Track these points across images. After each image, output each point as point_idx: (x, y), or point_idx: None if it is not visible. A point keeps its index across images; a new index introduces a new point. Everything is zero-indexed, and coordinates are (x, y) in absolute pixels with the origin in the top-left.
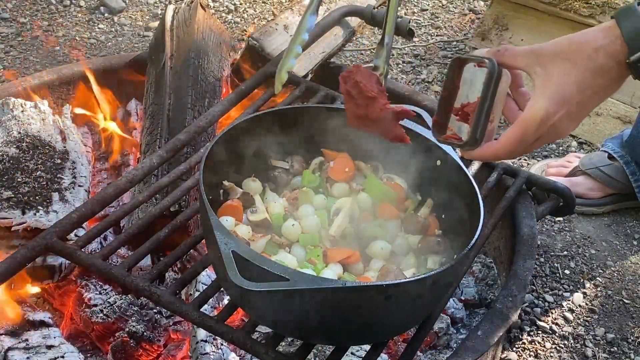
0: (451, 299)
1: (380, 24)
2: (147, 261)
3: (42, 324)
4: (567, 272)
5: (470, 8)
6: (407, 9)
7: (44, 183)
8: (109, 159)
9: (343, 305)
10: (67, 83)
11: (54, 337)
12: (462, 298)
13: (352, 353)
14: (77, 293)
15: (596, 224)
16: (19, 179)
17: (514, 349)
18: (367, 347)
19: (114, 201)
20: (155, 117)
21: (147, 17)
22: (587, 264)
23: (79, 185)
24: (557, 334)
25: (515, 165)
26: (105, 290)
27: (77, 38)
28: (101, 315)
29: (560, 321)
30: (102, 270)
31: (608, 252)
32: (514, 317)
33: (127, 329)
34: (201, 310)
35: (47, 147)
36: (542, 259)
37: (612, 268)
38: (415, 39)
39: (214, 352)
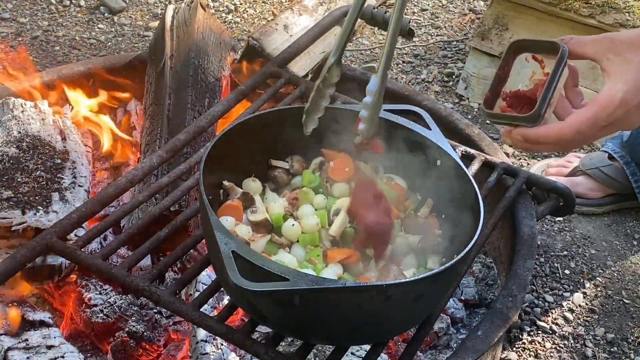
0: (451, 299)
1: (380, 24)
2: (147, 261)
3: (42, 324)
4: (567, 272)
5: (470, 8)
6: (407, 9)
7: (44, 183)
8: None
9: (343, 305)
10: (67, 83)
11: (54, 337)
12: (462, 298)
13: (352, 353)
14: (77, 293)
15: (596, 224)
16: (19, 179)
17: (514, 349)
18: (367, 347)
19: (114, 201)
20: (155, 117)
21: (147, 17)
22: (587, 264)
23: (79, 185)
24: (557, 334)
25: (515, 165)
26: (105, 290)
27: (77, 38)
28: (101, 315)
29: (560, 321)
30: (102, 270)
31: (608, 252)
32: (514, 317)
33: (127, 329)
34: (201, 310)
35: (47, 147)
36: (542, 259)
37: (612, 268)
38: (415, 39)
39: (214, 352)
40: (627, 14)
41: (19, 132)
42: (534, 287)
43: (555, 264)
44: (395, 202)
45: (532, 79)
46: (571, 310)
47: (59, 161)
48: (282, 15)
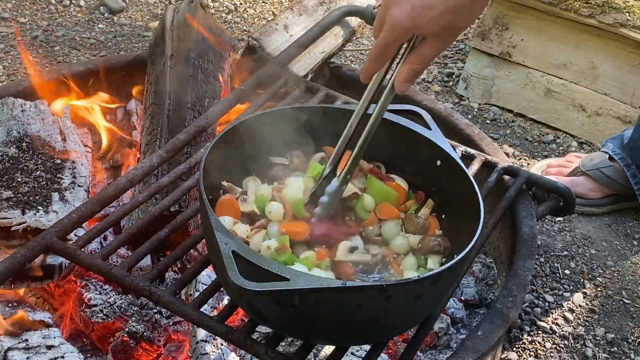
0: (451, 299)
1: None
2: (147, 261)
3: (42, 324)
4: (567, 272)
5: None
6: None
7: (44, 183)
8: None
9: (343, 305)
10: (68, 83)
11: (54, 337)
12: (462, 298)
13: (352, 353)
14: (77, 293)
15: (596, 224)
16: (18, 179)
17: (514, 349)
18: (367, 347)
19: (114, 201)
20: (155, 117)
21: (147, 17)
22: (587, 264)
23: (79, 185)
24: (557, 334)
25: (516, 165)
26: (105, 290)
27: (77, 38)
28: (101, 315)
29: (560, 321)
30: (102, 270)
31: (608, 252)
32: (514, 317)
33: (127, 329)
34: (201, 310)
35: (47, 147)
36: (542, 259)
37: (612, 268)
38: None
39: (214, 352)
40: (627, 14)
41: (19, 132)
42: (534, 287)
43: (556, 264)
44: (396, 202)
45: None
46: (571, 310)
47: (58, 161)
48: (282, 15)
